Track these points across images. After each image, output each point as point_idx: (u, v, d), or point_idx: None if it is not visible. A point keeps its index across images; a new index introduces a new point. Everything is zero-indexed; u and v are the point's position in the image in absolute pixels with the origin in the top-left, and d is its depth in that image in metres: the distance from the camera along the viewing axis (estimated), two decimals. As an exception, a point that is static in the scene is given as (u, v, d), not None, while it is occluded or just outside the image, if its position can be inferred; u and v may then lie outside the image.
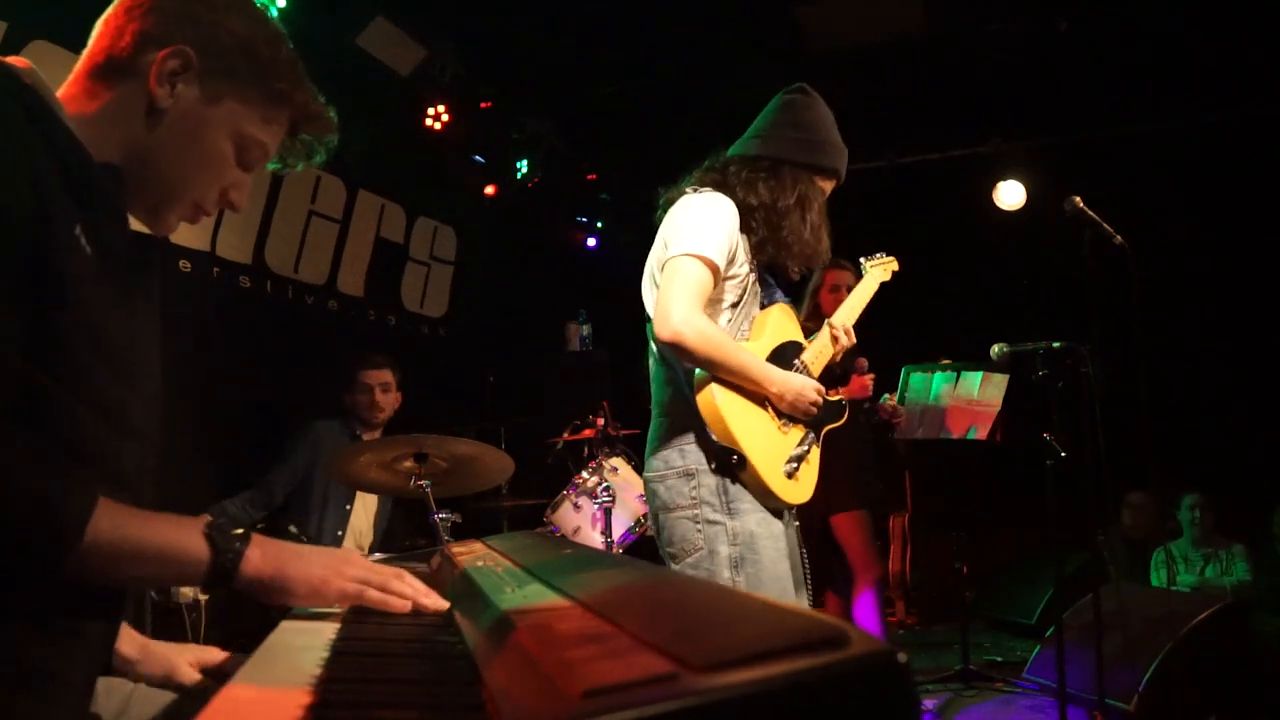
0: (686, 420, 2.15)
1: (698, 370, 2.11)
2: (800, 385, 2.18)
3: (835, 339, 2.41)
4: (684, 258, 2.08)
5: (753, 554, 2.09)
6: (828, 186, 2.33)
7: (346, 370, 3.92)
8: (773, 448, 2.16)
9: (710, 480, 2.11)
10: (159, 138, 1.12)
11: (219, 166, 1.18)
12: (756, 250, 2.26)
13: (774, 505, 2.17)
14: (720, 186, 2.23)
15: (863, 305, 2.61)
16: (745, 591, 1.93)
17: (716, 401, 2.08)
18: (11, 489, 0.87)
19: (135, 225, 1.16)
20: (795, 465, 2.20)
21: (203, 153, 1.16)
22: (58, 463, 0.94)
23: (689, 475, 2.12)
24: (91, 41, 1.14)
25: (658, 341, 2.11)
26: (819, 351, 2.37)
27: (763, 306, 2.32)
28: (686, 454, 2.14)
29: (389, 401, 3.91)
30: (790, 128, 2.28)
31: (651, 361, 2.29)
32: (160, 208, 1.17)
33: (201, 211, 1.21)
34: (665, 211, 2.28)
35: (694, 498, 2.11)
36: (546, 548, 1.52)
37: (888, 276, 2.75)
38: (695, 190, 2.23)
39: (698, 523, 2.10)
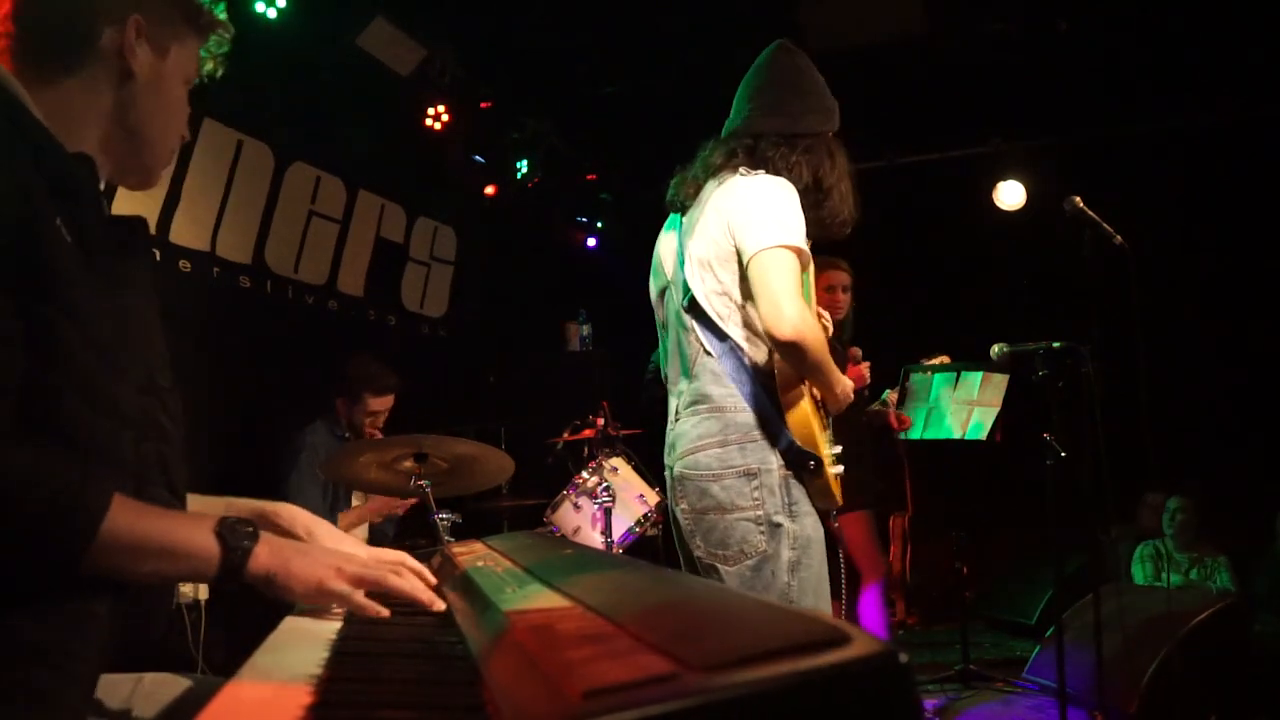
0: (748, 417, 2.04)
1: (778, 369, 2.03)
2: (848, 385, 2.14)
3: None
4: (778, 250, 1.95)
5: (807, 558, 2.03)
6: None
7: (350, 380, 3.72)
8: (826, 448, 2.10)
9: (774, 480, 2.02)
10: (133, 107, 1.17)
11: (181, 110, 1.26)
12: None
13: (829, 506, 2.12)
14: (768, 168, 2.10)
15: None
16: (745, 592, 1.92)
17: (808, 407, 2.02)
18: (30, 487, 0.89)
19: (122, 195, 1.18)
20: (840, 467, 2.15)
21: (170, 105, 1.23)
22: (73, 460, 0.95)
23: (751, 475, 2.01)
24: (7, 23, 1.10)
25: (772, 340, 1.98)
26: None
27: None
28: (748, 452, 2.02)
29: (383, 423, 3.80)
30: (806, 95, 2.18)
31: (697, 352, 2.13)
32: (150, 168, 1.25)
33: (173, 155, 1.29)
34: (684, 191, 2.20)
35: (756, 499, 2.00)
36: (546, 548, 1.52)
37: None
38: (747, 173, 2.09)
39: (760, 524, 2.00)
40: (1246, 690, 3.38)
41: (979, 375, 4.07)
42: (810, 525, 2.05)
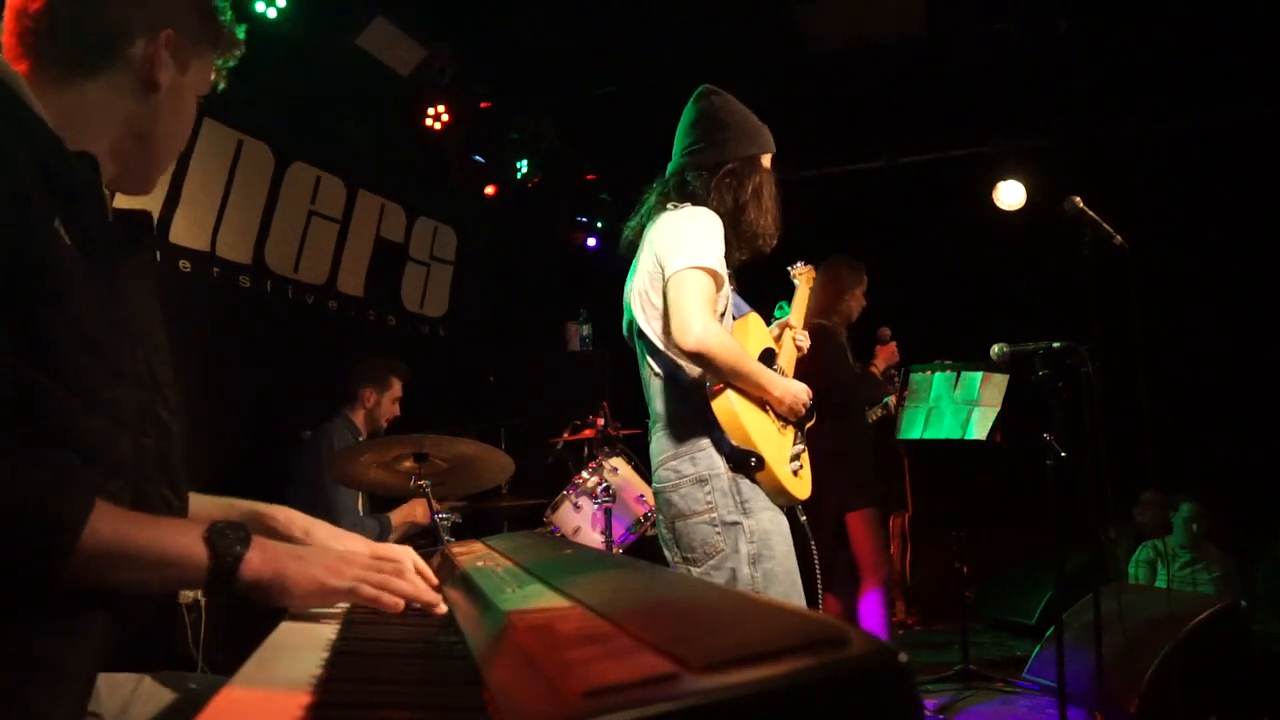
0: (693, 429, 2.20)
1: (709, 379, 2.17)
2: (796, 389, 2.28)
3: (799, 345, 2.58)
4: (689, 271, 2.11)
5: (767, 550, 2.16)
6: (768, 162, 2.40)
7: (378, 369, 3.99)
8: (778, 448, 2.25)
9: (723, 483, 2.17)
10: (153, 117, 1.18)
11: (190, 124, 1.27)
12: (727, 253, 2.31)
13: (785, 502, 2.25)
14: (694, 200, 2.27)
15: (804, 311, 2.78)
16: (745, 592, 1.93)
17: (734, 408, 2.15)
18: (6, 495, 0.86)
19: (122, 200, 1.19)
20: (797, 464, 2.30)
21: (185, 118, 1.25)
22: (53, 464, 0.93)
23: (702, 481, 2.17)
24: (39, 19, 1.10)
25: (682, 353, 2.14)
26: (789, 357, 2.53)
27: (734, 317, 2.40)
28: (698, 460, 2.18)
29: None
30: (724, 128, 2.35)
31: (650, 376, 2.31)
32: (152, 175, 1.26)
33: (171, 164, 1.30)
34: (631, 235, 2.39)
35: (709, 502, 2.16)
36: (546, 548, 1.52)
37: (810, 284, 2.90)
38: (674, 207, 2.27)
39: (716, 525, 2.15)
40: (1246, 690, 3.38)
41: (979, 375, 4.07)
42: (768, 519, 2.18)
